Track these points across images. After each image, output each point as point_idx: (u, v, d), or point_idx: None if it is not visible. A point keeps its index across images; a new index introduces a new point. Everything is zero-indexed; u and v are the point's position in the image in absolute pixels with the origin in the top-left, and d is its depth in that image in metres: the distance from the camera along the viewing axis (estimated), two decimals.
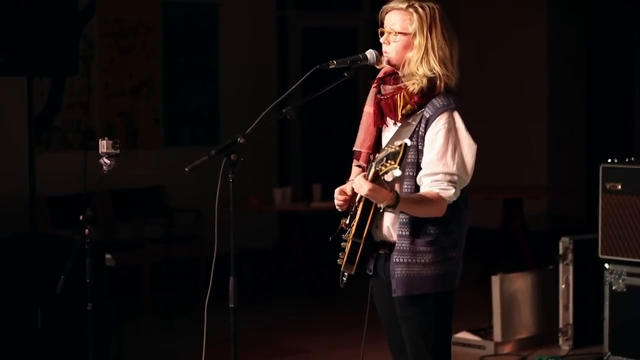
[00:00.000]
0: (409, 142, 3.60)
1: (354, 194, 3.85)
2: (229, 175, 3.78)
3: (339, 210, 3.92)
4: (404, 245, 3.78)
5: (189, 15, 9.40)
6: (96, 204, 5.56)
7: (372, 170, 3.60)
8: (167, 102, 9.30)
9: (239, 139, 3.77)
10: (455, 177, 3.73)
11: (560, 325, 6.85)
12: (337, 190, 3.89)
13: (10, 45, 5.93)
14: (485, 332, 6.94)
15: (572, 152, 10.81)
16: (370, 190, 3.61)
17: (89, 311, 4.64)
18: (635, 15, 11.02)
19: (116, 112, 9.01)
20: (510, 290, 6.88)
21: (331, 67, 3.87)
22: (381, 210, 3.75)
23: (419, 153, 3.77)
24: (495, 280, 6.83)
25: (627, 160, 6.43)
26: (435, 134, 3.74)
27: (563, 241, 6.84)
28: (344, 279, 3.94)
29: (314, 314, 8.22)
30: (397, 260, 3.79)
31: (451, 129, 3.75)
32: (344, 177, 4.03)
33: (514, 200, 9.23)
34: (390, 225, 3.83)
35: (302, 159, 10.43)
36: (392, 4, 3.85)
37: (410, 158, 3.77)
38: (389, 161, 3.52)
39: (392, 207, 3.66)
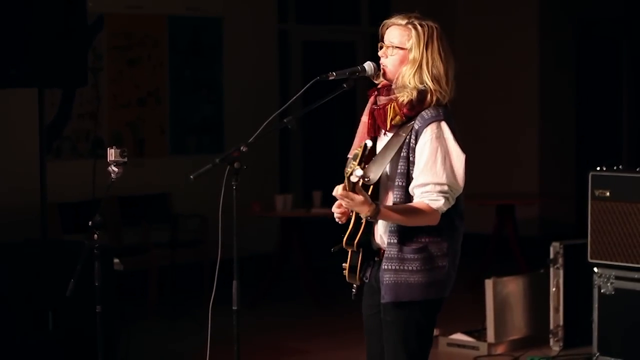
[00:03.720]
0: (370, 143, 3.55)
1: None
2: (232, 183, 3.78)
3: (340, 223, 3.85)
4: (392, 252, 3.75)
5: (194, 29, 9.41)
6: (104, 210, 5.55)
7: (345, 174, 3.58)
8: (173, 112, 9.31)
9: (241, 148, 3.77)
10: (446, 187, 3.70)
11: (551, 327, 6.85)
12: (335, 204, 3.82)
13: (23, 58, 5.94)
14: (479, 333, 6.94)
15: (562, 160, 10.81)
16: (343, 197, 3.57)
17: (98, 313, 4.64)
18: (623, 28, 11.04)
19: (124, 122, 9.01)
20: (503, 293, 6.88)
21: (331, 78, 3.87)
22: (368, 220, 3.71)
23: (410, 164, 3.74)
24: (489, 283, 6.83)
25: (615, 168, 6.44)
26: (424, 145, 3.72)
27: (554, 246, 6.84)
28: (354, 290, 3.93)
29: (314, 316, 8.22)
30: (386, 267, 3.76)
31: (439, 139, 3.72)
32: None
33: (506, 207, 9.23)
34: (383, 233, 3.81)
35: (302, 166, 10.43)
36: (392, 20, 3.85)
37: (400, 168, 3.75)
38: (353, 162, 3.50)
39: (372, 218, 3.65)
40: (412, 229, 3.73)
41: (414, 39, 3.77)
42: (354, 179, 3.52)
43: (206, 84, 9.50)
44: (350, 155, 3.63)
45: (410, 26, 3.79)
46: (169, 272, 8.51)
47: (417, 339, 3.82)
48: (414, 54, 3.77)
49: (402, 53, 3.80)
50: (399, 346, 3.80)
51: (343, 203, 3.62)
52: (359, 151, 3.50)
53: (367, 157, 3.52)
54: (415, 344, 3.81)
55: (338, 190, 3.58)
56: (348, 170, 3.51)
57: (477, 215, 8.42)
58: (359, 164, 3.48)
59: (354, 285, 3.91)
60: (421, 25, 3.79)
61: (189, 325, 7.66)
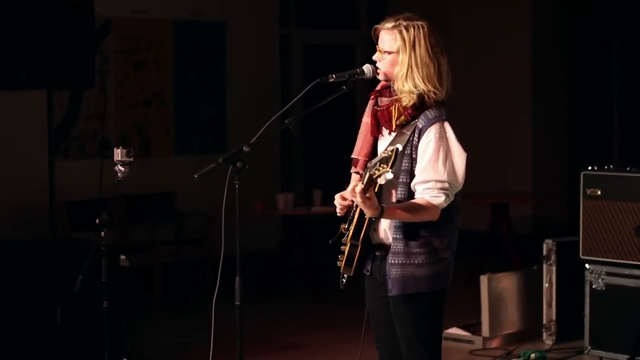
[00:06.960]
0: (400, 147, 3.59)
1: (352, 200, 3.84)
2: (235, 182, 3.77)
3: (339, 215, 3.90)
4: (398, 247, 3.77)
5: (198, 33, 9.40)
6: (111, 209, 5.56)
7: (367, 175, 3.58)
8: (178, 113, 9.31)
9: (244, 148, 3.77)
10: (446, 184, 3.73)
11: (544, 322, 6.85)
12: (337, 197, 3.87)
13: (33, 61, 5.95)
14: (474, 327, 6.94)
15: (555, 160, 10.81)
16: (361, 196, 3.59)
17: (105, 308, 4.65)
18: (614, 32, 11.04)
19: (130, 123, 9.01)
20: (498, 289, 6.88)
21: (330, 80, 3.86)
22: (373, 219, 3.75)
23: (413, 161, 3.76)
24: (484, 279, 6.84)
25: (606, 167, 6.44)
26: (427, 144, 3.73)
27: (546, 243, 6.85)
28: (344, 280, 3.93)
29: (315, 311, 8.21)
30: (393, 261, 3.78)
31: (442, 139, 3.74)
32: (343, 184, 4.02)
33: (500, 205, 9.23)
34: (387, 228, 3.82)
35: (303, 166, 10.43)
36: (381, 24, 3.85)
37: (404, 166, 3.76)
38: (381, 165, 3.51)
39: (376, 218, 3.69)
40: (416, 225, 3.76)
41: (399, 43, 3.77)
42: (382, 181, 3.54)
43: (209, 86, 9.50)
44: (375, 160, 3.60)
45: (396, 30, 3.78)
46: (173, 269, 8.51)
47: (429, 329, 3.86)
48: (402, 57, 3.77)
49: (392, 56, 3.80)
50: (413, 338, 3.84)
51: (357, 200, 3.62)
52: (390, 155, 3.51)
53: (394, 160, 3.52)
54: (427, 334, 3.85)
55: (358, 188, 3.59)
56: (375, 172, 3.52)
57: (472, 213, 8.42)
58: (391, 168, 3.49)
59: (345, 275, 3.91)
60: (407, 28, 3.78)
61: (193, 320, 7.66)
